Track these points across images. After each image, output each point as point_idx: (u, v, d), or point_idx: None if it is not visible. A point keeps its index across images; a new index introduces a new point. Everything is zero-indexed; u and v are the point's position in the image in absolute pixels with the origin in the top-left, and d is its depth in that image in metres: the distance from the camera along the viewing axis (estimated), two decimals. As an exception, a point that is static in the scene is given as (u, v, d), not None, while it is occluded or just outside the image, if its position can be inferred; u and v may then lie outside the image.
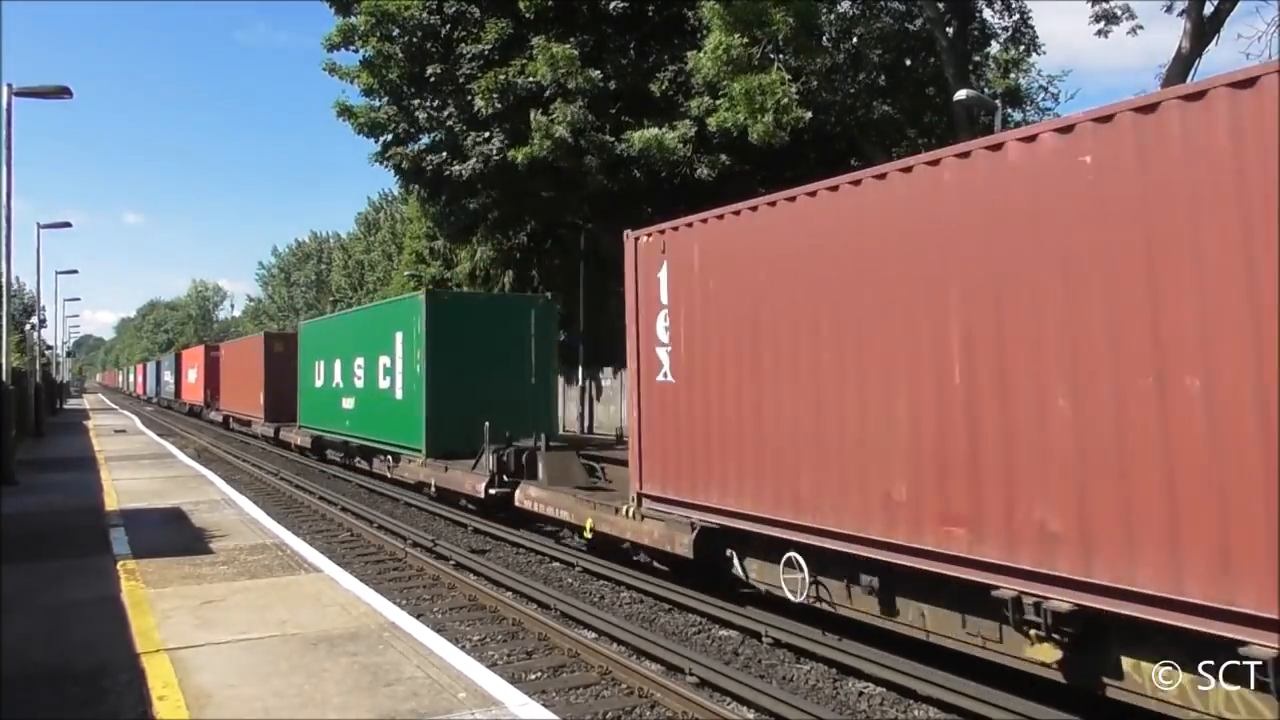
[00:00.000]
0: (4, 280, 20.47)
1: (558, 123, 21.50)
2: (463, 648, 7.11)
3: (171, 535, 10.91)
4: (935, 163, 6.46)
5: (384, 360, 17.97)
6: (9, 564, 8.96)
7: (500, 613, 9.31)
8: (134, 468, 19.13)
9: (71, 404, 63.96)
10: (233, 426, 36.06)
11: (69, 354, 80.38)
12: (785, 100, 18.12)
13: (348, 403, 20.59)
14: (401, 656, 6.05)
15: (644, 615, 9.22)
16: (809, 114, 18.66)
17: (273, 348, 28.41)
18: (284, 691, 5.39)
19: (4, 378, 18.77)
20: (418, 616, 8.12)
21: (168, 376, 60.19)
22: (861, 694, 6.89)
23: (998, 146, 6.05)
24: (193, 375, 46.62)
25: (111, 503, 13.57)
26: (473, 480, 14.09)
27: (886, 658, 7.08)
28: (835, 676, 7.23)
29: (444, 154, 25.04)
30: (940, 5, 21.51)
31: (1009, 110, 24.68)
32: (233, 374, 35.28)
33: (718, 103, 19.36)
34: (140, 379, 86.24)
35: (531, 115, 21.81)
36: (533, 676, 7.26)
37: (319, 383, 23.05)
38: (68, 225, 36.28)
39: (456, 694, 5.36)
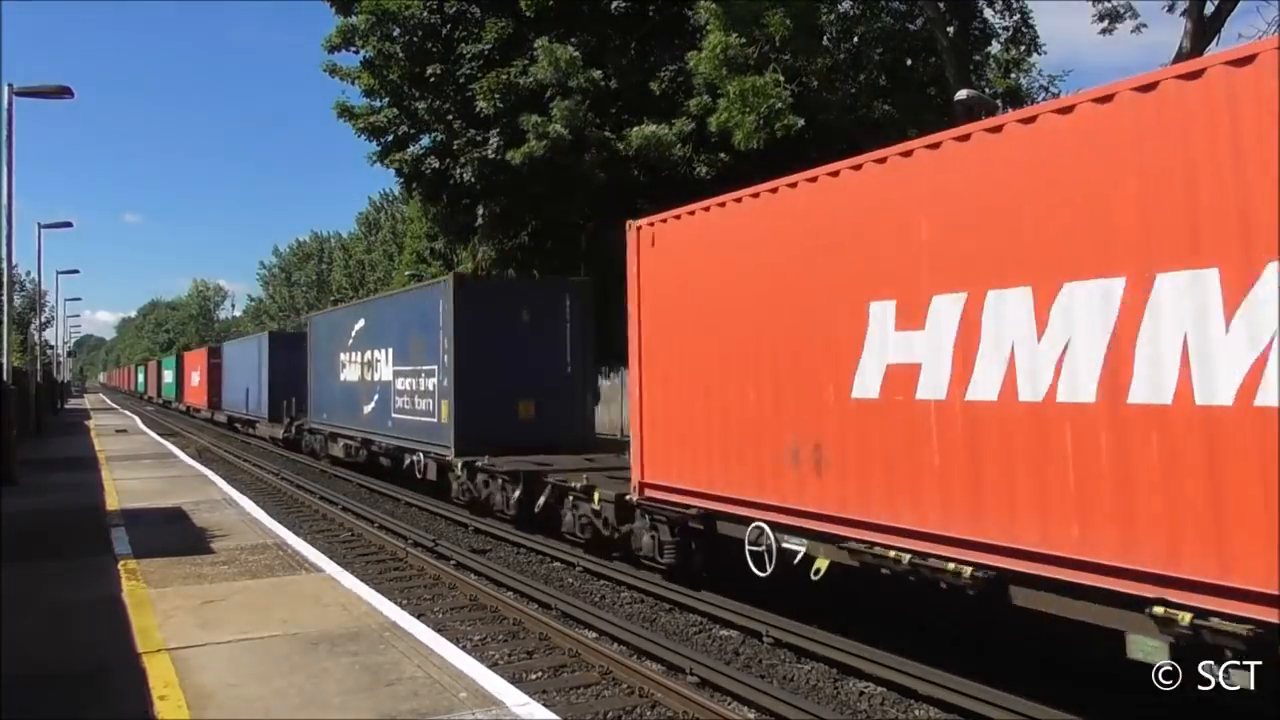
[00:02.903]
0: (5, 280, 20.47)
1: (554, 120, 21.48)
2: (463, 647, 7.11)
3: (172, 535, 10.92)
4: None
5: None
6: (9, 564, 8.97)
7: (501, 612, 9.31)
8: (135, 467, 19.14)
9: (72, 404, 63.99)
10: None
11: (70, 354, 79.51)
12: (779, 105, 18.09)
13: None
14: (402, 656, 6.06)
15: (645, 615, 9.22)
16: (800, 121, 18.61)
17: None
18: (285, 691, 5.39)
19: (4, 377, 18.78)
20: (419, 616, 8.12)
21: (356, 373, 20.21)
22: (862, 694, 6.89)
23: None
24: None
25: (112, 502, 13.58)
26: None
27: (887, 658, 7.08)
28: (836, 676, 7.23)
29: (445, 159, 25.04)
30: (941, 5, 21.49)
31: (1010, 110, 24.66)
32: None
33: (717, 102, 19.35)
34: (198, 378, 44.68)
35: (522, 118, 21.80)
36: (533, 676, 7.26)
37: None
38: (68, 225, 36.39)
39: (457, 694, 5.36)
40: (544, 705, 5.61)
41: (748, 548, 8.13)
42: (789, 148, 20.39)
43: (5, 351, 19.63)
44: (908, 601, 7.46)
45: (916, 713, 6.53)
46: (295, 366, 26.65)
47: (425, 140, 26.44)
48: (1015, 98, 26.12)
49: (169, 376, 58.57)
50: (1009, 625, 6.50)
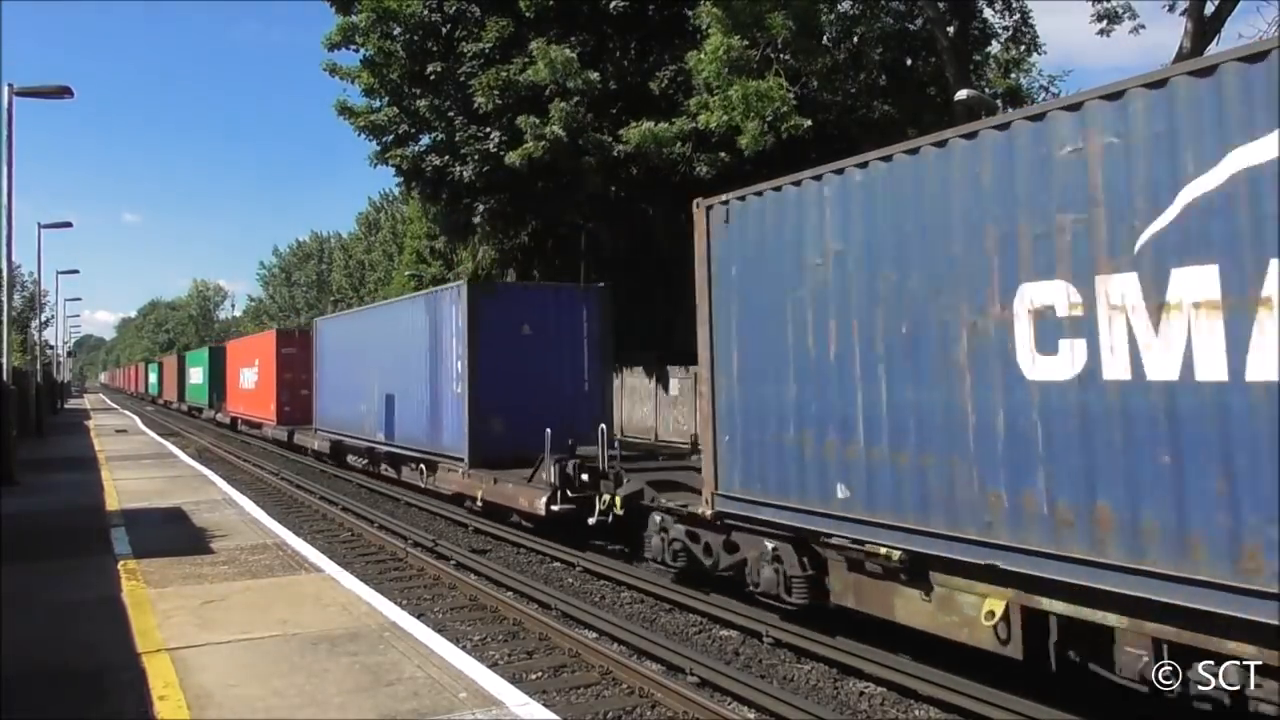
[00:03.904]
0: (4, 280, 20.47)
1: (551, 122, 21.49)
2: (463, 648, 7.11)
3: (172, 535, 10.91)
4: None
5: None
6: (9, 564, 8.96)
7: (501, 613, 9.31)
8: (135, 467, 19.13)
9: (72, 404, 63.99)
10: None
11: (70, 354, 79.34)
12: (785, 108, 18.12)
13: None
14: (402, 656, 6.05)
15: (644, 615, 9.22)
16: (808, 121, 18.63)
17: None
18: (285, 691, 5.39)
19: (4, 377, 18.77)
20: (419, 616, 8.12)
21: None
22: (862, 694, 6.89)
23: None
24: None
25: (112, 502, 13.58)
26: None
27: (887, 658, 7.08)
28: (836, 676, 7.23)
29: (445, 157, 25.05)
30: (941, 5, 21.51)
31: (1010, 110, 24.66)
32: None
33: (711, 101, 19.34)
34: (255, 378, 29.69)
35: (520, 119, 21.81)
36: (533, 676, 7.26)
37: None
38: (68, 225, 36.25)
39: (457, 694, 5.36)
40: (544, 705, 5.61)
41: None
42: (791, 148, 20.42)
43: (5, 351, 19.63)
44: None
45: (917, 713, 6.53)
46: (571, 357, 14.29)
47: (425, 139, 26.48)
48: (1015, 97, 26.16)
49: (198, 376, 43.59)
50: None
